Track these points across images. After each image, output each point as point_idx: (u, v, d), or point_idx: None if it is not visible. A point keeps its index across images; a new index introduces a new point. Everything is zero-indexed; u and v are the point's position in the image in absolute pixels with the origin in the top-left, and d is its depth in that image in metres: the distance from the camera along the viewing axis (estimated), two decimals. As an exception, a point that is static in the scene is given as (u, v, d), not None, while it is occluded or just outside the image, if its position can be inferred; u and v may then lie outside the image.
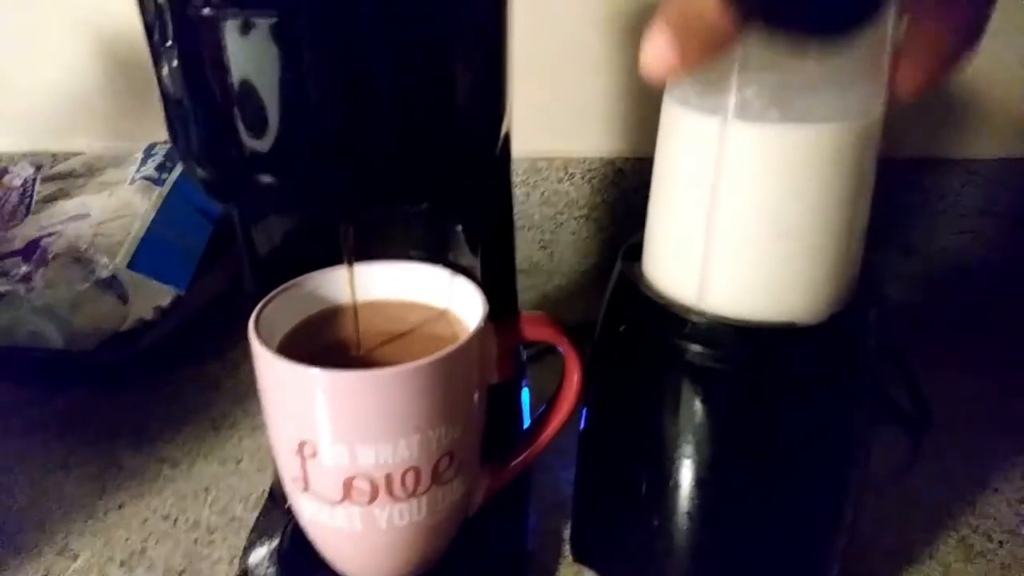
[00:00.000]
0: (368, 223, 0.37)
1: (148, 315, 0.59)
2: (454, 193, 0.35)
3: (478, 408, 0.35)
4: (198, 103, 0.28)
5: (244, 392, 0.56)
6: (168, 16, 0.25)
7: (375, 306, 0.38)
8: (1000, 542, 0.42)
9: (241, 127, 0.27)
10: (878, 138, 0.29)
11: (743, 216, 0.29)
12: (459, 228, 0.40)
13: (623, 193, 0.68)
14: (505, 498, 0.41)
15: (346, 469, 0.33)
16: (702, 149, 0.29)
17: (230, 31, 0.24)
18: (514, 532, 0.43)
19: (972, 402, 0.53)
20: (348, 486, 0.33)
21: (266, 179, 0.30)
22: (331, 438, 0.32)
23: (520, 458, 0.40)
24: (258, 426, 0.53)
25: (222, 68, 0.26)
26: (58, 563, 0.42)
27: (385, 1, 0.26)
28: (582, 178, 0.68)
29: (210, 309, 0.63)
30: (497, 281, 0.39)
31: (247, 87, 0.26)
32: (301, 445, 0.33)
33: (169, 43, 0.26)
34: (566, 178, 0.69)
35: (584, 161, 0.68)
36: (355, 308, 0.37)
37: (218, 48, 0.25)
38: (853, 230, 0.30)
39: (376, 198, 0.30)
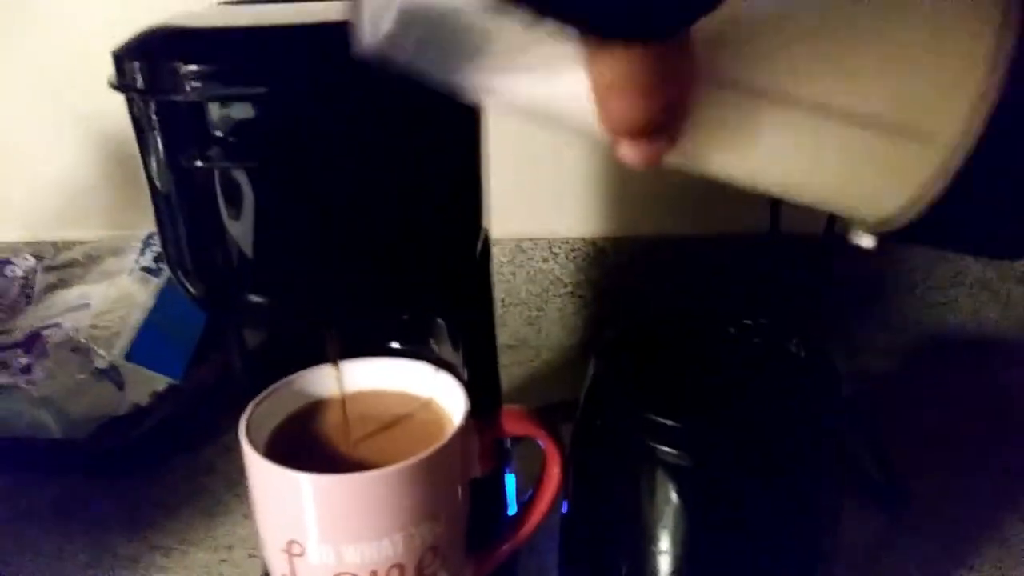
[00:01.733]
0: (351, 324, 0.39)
1: (144, 401, 0.60)
2: (435, 298, 0.37)
3: (462, 502, 0.37)
4: (191, 232, 0.30)
5: (236, 477, 0.57)
6: (164, 163, 0.28)
7: (361, 396, 0.40)
8: (975, 620, 0.43)
9: (230, 250, 0.29)
10: None
11: None
12: (440, 321, 0.42)
13: (605, 270, 0.71)
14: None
15: (333, 567, 0.34)
16: None
17: (218, 177, 0.27)
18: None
19: (949, 477, 0.54)
20: (335, 583, 0.34)
21: (253, 298, 0.32)
22: (318, 538, 0.34)
23: (504, 546, 0.41)
24: (249, 513, 0.53)
25: (212, 202, 0.28)
26: (51, 659, 0.43)
27: (357, 140, 0.29)
28: (566, 257, 0.71)
29: (205, 395, 0.65)
30: (479, 371, 0.41)
31: (235, 217, 0.29)
32: (289, 544, 0.34)
33: (165, 185, 0.29)
34: (551, 257, 0.71)
35: (567, 241, 0.70)
36: (343, 401, 0.39)
37: (207, 190, 0.27)
38: None
39: (358, 313, 0.32)
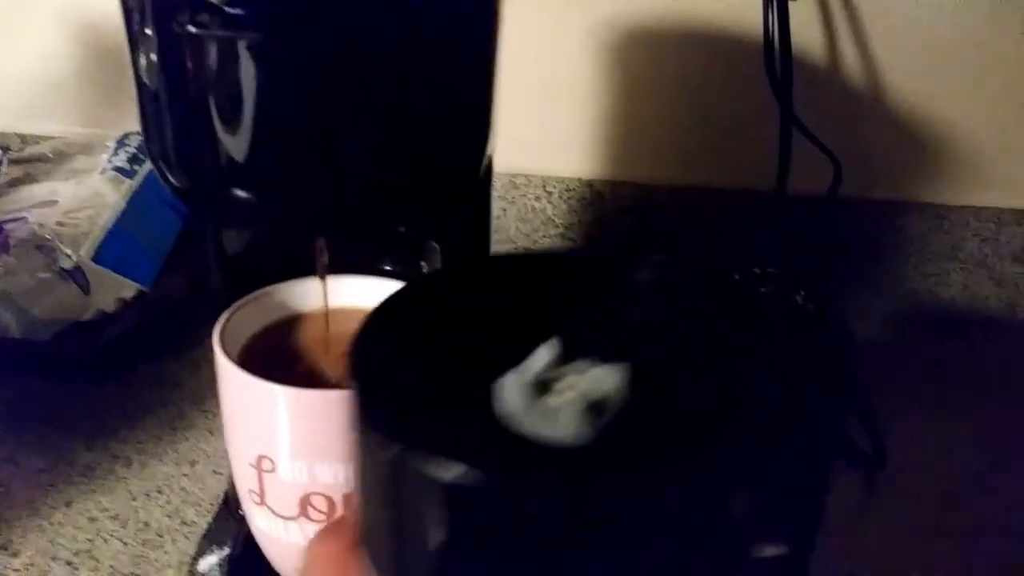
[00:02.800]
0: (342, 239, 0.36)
1: (110, 307, 0.58)
2: (433, 215, 0.35)
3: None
4: (175, 113, 0.27)
5: (204, 393, 0.55)
6: (152, 29, 0.25)
7: (344, 313, 0.38)
8: (947, 588, 0.43)
9: (218, 140, 0.27)
10: None
11: None
12: (434, 244, 0.40)
13: (601, 214, 0.69)
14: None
15: (304, 486, 0.32)
16: None
17: (213, 48, 0.24)
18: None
19: (932, 445, 0.54)
20: (305, 503, 0.33)
21: (240, 193, 0.29)
22: (290, 454, 0.32)
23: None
24: (216, 429, 0.52)
25: (203, 82, 0.25)
26: (-1, 561, 0.41)
27: (371, 18, 0.26)
28: (560, 197, 0.68)
29: (174, 308, 0.62)
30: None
31: (226, 101, 0.26)
32: (259, 459, 0.32)
33: (151, 54, 0.26)
34: (544, 196, 0.69)
35: (563, 180, 0.68)
36: (327, 315, 0.37)
37: (200, 63, 0.25)
38: None
39: (351, 220, 0.30)
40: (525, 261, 0.23)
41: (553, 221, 0.69)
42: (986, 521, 0.48)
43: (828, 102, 0.63)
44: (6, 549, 0.42)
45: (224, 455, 0.49)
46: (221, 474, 0.48)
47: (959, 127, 0.65)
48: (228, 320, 0.35)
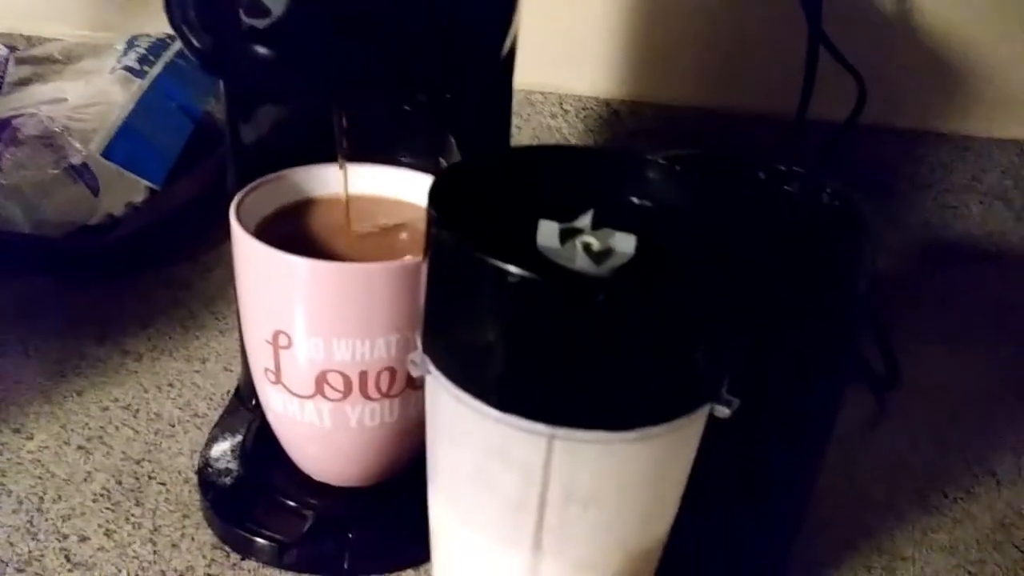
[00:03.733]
0: (362, 120, 0.35)
1: (118, 210, 0.57)
2: (456, 87, 0.34)
3: (459, 317, 0.35)
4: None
5: (214, 295, 0.55)
6: None
7: (363, 199, 0.37)
8: (956, 498, 0.43)
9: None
10: None
11: None
12: (451, 139, 0.39)
13: (616, 136, 0.68)
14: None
15: (320, 363, 0.32)
16: None
17: None
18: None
19: (942, 369, 0.53)
20: (321, 381, 0.32)
21: (262, 51, 0.28)
22: (308, 330, 0.31)
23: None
24: (226, 329, 0.52)
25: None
26: (13, 441, 0.41)
27: None
28: (576, 115, 0.67)
29: (184, 212, 0.61)
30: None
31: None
32: (275, 335, 0.32)
33: None
34: (560, 114, 0.67)
35: (580, 99, 0.67)
36: (346, 196, 0.36)
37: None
38: None
39: (374, 82, 0.29)
40: (576, 152, 0.26)
41: (569, 140, 0.68)
42: (992, 438, 0.48)
43: (856, 25, 0.62)
44: (19, 432, 0.42)
45: (233, 354, 0.49)
46: (232, 371, 0.48)
47: (988, 56, 0.63)
48: (244, 197, 0.34)
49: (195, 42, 0.30)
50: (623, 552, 0.24)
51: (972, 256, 0.68)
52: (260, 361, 0.34)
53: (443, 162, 0.40)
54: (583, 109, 0.67)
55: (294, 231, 0.35)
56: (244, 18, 0.27)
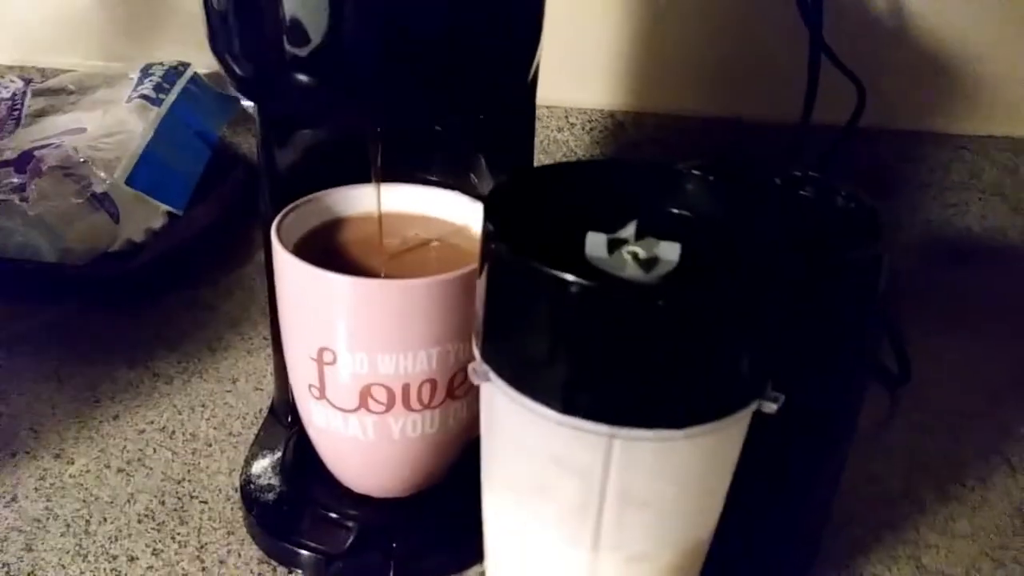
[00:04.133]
0: (394, 141, 0.37)
1: (139, 237, 0.58)
2: (483, 114, 0.35)
3: (493, 328, 0.36)
4: (240, 8, 0.28)
5: (238, 316, 0.56)
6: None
7: (396, 217, 0.38)
8: (972, 487, 0.45)
9: (285, 27, 0.27)
10: None
11: None
12: (481, 158, 0.40)
13: (621, 146, 0.69)
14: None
15: (365, 377, 0.33)
16: None
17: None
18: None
19: (950, 364, 0.55)
20: (365, 395, 0.34)
21: (303, 79, 0.29)
22: (352, 345, 0.33)
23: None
24: (253, 349, 0.53)
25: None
26: (55, 466, 0.42)
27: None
28: (582, 128, 0.69)
29: (202, 237, 0.63)
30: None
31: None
32: (320, 352, 0.33)
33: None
34: (567, 127, 0.69)
35: (585, 112, 0.68)
36: (380, 215, 0.37)
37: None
38: None
39: (411, 107, 0.31)
40: (610, 165, 0.27)
41: (576, 152, 0.70)
42: (1003, 428, 0.49)
43: (854, 31, 0.63)
44: (60, 457, 0.43)
45: (266, 373, 0.50)
46: (263, 390, 0.49)
47: (982, 59, 0.65)
48: (283, 219, 0.35)
49: (238, 70, 0.31)
50: (676, 546, 0.25)
51: (973, 252, 0.70)
52: (304, 378, 0.35)
53: (475, 179, 0.41)
54: (588, 122, 0.69)
55: (329, 250, 0.36)
56: (287, 47, 0.29)
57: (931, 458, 0.47)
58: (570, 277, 0.20)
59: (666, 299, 0.20)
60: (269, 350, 0.52)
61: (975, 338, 0.58)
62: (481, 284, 0.24)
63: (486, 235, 0.23)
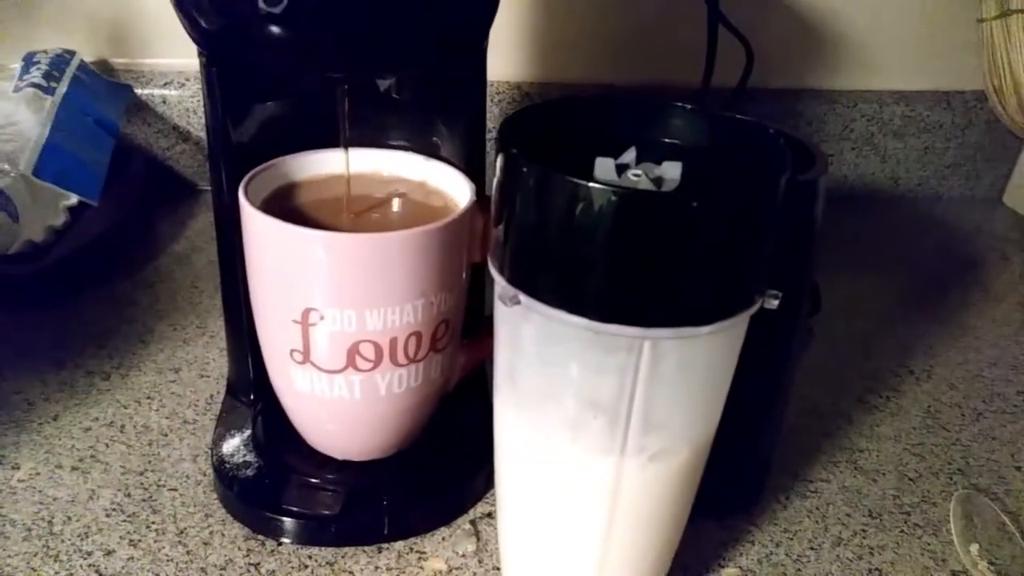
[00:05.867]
0: (356, 108, 0.36)
1: (39, 236, 0.55)
2: (441, 69, 0.36)
3: (467, 281, 0.37)
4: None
5: (165, 308, 0.54)
6: None
7: (358, 177, 0.38)
8: (887, 397, 0.50)
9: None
10: None
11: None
12: (440, 124, 0.41)
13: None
14: (474, 382, 0.43)
15: (353, 335, 0.33)
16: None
17: None
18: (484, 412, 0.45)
19: (849, 296, 0.61)
20: (353, 353, 0.34)
21: (274, 31, 0.29)
22: (340, 302, 0.33)
23: (492, 336, 0.42)
24: (189, 338, 0.51)
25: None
26: None
27: None
28: (490, 100, 0.70)
29: (110, 232, 0.60)
30: (473, 166, 0.40)
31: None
32: (305, 313, 0.33)
33: None
34: (475, 101, 0.70)
35: (492, 84, 0.70)
36: (347, 172, 0.37)
37: None
38: None
39: (375, 61, 0.31)
40: (605, 100, 0.30)
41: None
42: (904, 345, 0.55)
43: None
44: (2, 464, 0.40)
45: (209, 360, 0.49)
46: (208, 376, 0.47)
47: (849, 20, 0.72)
48: (247, 186, 0.35)
49: (203, 23, 0.30)
50: (692, 443, 0.27)
51: (851, 197, 0.77)
52: (285, 343, 0.34)
53: (437, 141, 0.41)
54: (496, 94, 0.70)
55: (296, 210, 0.36)
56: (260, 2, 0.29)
57: (850, 376, 0.51)
58: (614, 188, 0.22)
59: (700, 203, 0.21)
60: (206, 338, 0.51)
61: (859, 273, 0.64)
62: (507, 211, 0.25)
63: (508, 159, 0.24)
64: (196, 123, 0.69)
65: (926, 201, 0.78)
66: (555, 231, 0.23)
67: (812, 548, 0.38)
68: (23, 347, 0.49)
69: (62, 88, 0.57)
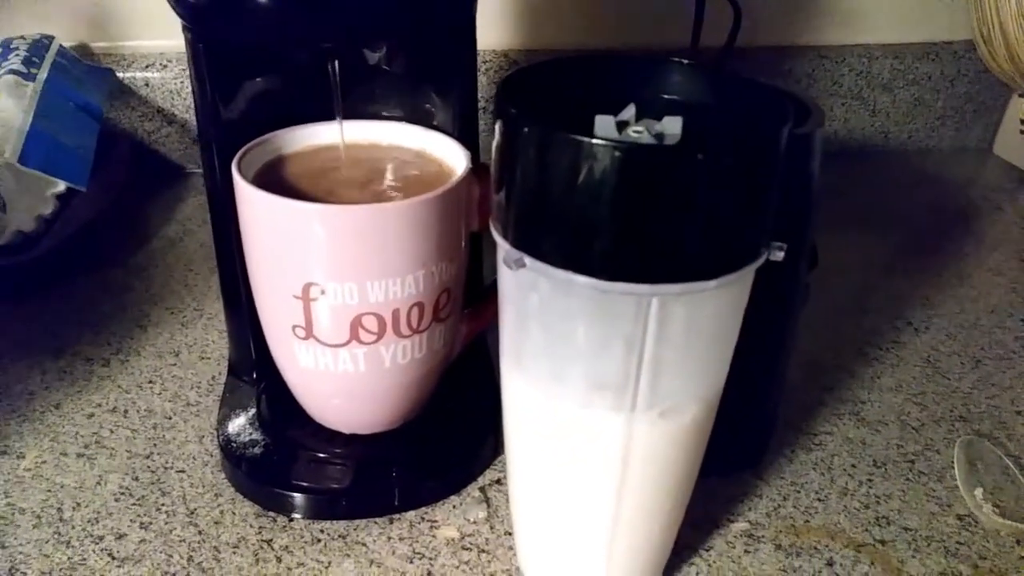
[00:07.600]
0: (346, 81, 0.36)
1: (28, 226, 0.54)
2: (430, 35, 0.36)
3: (466, 250, 0.37)
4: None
5: (160, 292, 0.53)
6: None
7: (352, 147, 0.38)
8: (887, 349, 0.50)
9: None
10: None
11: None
12: (434, 95, 0.41)
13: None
14: (475, 352, 0.43)
15: (356, 308, 0.33)
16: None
17: None
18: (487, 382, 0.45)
19: (845, 250, 0.61)
20: (356, 326, 0.34)
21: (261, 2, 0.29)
22: (342, 276, 0.32)
23: (491, 307, 0.42)
24: (187, 321, 0.51)
25: None
26: (5, 463, 0.39)
27: None
28: (479, 69, 0.69)
29: (99, 218, 0.59)
30: (465, 136, 0.40)
31: None
32: (306, 288, 0.33)
33: None
34: (462, 71, 0.69)
35: (479, 52, 0.69)
36: (342, 142, 0.37)
37: None
38: None
39: (361, 25, 0.31)
40: (599, 58, 0.30)
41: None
42: (902, 297, 0.55)
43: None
44: (7, 453, 0.40)
45: (208, 343, 0.48)
46: (209, 358, 0.47)
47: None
48: (240, 162, 0.34)
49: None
50: (700, 399, 0.27)
51: (842, 152, 0.77)
52: (287, 319, 0.34)
53: (431, 109, 0.41)
54: (483, 63, 0.69)
55: (290, 182, 0.36)
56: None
57: (849, 330, 0.52)
58: (618, 144, 0.21)
59: (705, 155, 0.21)
60: (204, 320, 0.51)
61: (853, 228, 0.64)
62: (508, 174, 0.24)
63: (508, 121, 0.24)
64: (180, 105, 0.68)
65: (917, 154, 0.78)
66: (559, 191, 0.23)
67: (819, 499, 0.39)
68: (19, 337, 0.48)
69: (43, 74, 0.56)
